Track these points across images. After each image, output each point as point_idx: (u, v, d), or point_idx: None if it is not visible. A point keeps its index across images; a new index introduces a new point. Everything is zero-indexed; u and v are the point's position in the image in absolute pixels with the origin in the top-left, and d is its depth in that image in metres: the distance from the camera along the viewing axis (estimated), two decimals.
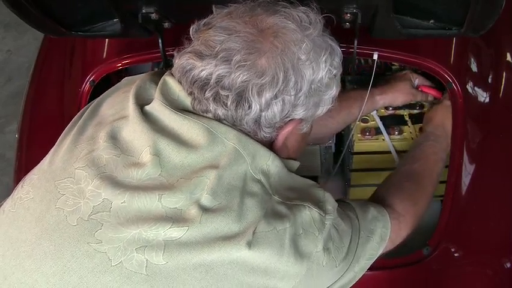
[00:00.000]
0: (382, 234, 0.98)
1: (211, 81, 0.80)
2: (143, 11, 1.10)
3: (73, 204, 0.77)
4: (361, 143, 1.36)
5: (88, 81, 1.36)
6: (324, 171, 1.50)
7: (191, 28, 0.87)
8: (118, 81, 1.00)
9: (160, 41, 1.22)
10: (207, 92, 0.80)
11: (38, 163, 0.89)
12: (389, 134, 1.36)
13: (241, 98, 0.80)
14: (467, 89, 1.28)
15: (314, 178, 1.46)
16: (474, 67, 1.34)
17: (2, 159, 2.47)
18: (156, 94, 0.85)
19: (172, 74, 0.87)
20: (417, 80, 1.38)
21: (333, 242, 0.85)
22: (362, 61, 1.45)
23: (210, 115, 0.82)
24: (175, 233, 0.74)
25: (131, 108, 0.85)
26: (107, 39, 1.39)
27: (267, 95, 0.80)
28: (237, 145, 0.80)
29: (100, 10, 1.10)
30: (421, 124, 1.37)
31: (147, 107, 0.84)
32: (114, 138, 0.83)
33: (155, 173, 0.79)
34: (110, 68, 1.36)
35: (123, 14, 1.10)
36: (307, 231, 0.81)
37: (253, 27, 0.81)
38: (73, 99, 1.37)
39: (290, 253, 0.78)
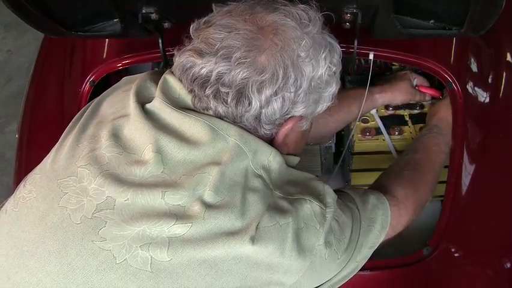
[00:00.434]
0: (383, 222, 0.98)
1: (212, 78, 0.80)
2: (143, 11, 1.10)
3: (76, 203, 0.77)
4: (361, 143, 1.36)
5: (88, 81, 1.36)
6: (324, 171, 1.50)
7: (191, 26, 0.87)
8: (118, 81, 1.00)
9: (160, 41, 1.22)
10: (207, 90, 0.81)
11: (38, 163, 0.89)
12: (389, 134, 1.36)
13: (241, 95, 0.80)
14: (467, 89, 1.28)
15: None
16: (474, 67, 1.34)
17: (2, 159, 2.47)
18: (157, 92, 0.85)
19: (172, 73, 0.87)
20: (417, 80, 1.38)
21: (334, 234, 0.85)
22: (362, 61, 1.45)
23: (210, 112, 0.82)
24: (179, 229, 0.74)
25: (132, 106, 0.85)
26: (107, 39, 1.39)
27: (267, 91, 0.80)
28: (239, 141, 0.81)
29: (100, 10, 1.10)
30: (421, 124, 1.37)
31: (148, 105, 0.85)
32: (116, 137, 0.83)
33: (158, 170, 0.79)
34: (110, 68, 1.37)
35: (123, 14, 1.10)
36: (308, 225, 0.82)
37: (253, 25, 0.82)
38: (73, 99, 1.37)
39: (293, 247, 0.79)
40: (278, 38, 0.81)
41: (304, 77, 0.83)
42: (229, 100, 0.80)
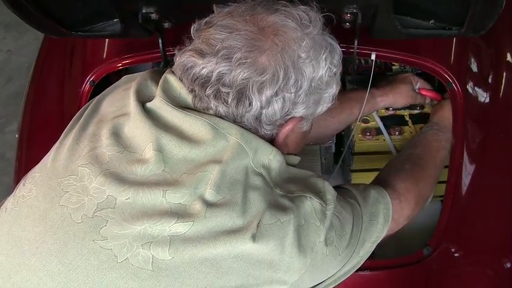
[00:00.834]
0: (385, 216, 0.98)
1: (212, 78, 0.80)
2: (144, 11, 1.10)
3: (77, 202, 0.77)
4: (362, 143, 1.36)
5: (88, 81, 1.36)
6: (325, 171, 1.50)
7: (192, 27, 0.87)
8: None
9: (160, 41, 1.22)
10: (207, 90, 0.81)
11: (38, 163, 0.89)
12: (389, 134, 1.37)
13: (241, 95, 0.80)
14: (467, 89, 1.28)
15: None
16: (474, 67, 1.34)
17: (2, 159, 2.47)
18: (157, 92, 0.85)
19: (173, 72, 0.87)
20: (419, 84, 1.38)
21: (335, 230, 0.85)
22: (362, 61, 1.45)
23: (211, 112, 0.83)
24: (180, 228, 0.74)
25: (132, 105, 0.85)
26: (107, 39, 1.39)
27: (268, 92, 0.80)
28: (240, 140, 0.81)
29: (100, 10, 1.10)
30: (422, 124, 1.37)
31: (148, 104, 0.85)
32: (116, 135, 0.83)
33: (159, 168, 0.79)
34: (110, 68, 1.37)
35: (123, 14, 1.10)
36: (309, 222, 0.82)
37: (254, 26, 0.82)
38: (73, 99, 1.37)
39: (294, 244, 0.79)
40: (279, 39, 0.81)
41: (305, 77, 0.83)
42: (229, 100, 0.80)
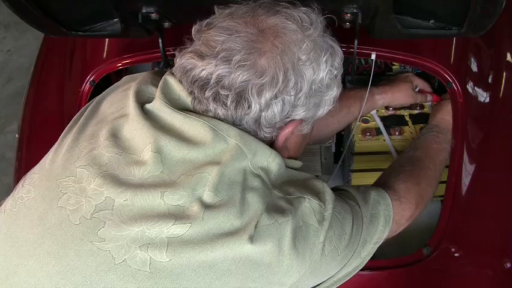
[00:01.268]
0: (386, 217, 0.98)
1: (211, 81, 0.80)
2: (143, 11, 1.10)
3: (75, 203, 0.77)
4: (362, 144, 1.36)
5: (88, 81, 1.36)
6: (324, 171, 1.50)
7: (193, 28, 0.87)
8: (118, 81, 1.00)
9: (160, 41, 1.22)
10: (207, 92, 0.81)
11: (38, 163, 0.89)
12: (389, 134, 1.36)
13: (241, 97, 0.80)
14: (467, 89, 1.28)
15: None
16: (474, 67, 1.34)
17: (2, 159, 2.47)
18: (157, 93, 0.85)
19: (172, 74, 0.87)
20: (419, 84, 1.38)
21: (334, 231, 0.85)
22: (362, 61, 1.45)
23: (210, 114, 0.83)
24: (177, 229, 0.74)
25: (131, 106, 0.85)
26: (107, 39, 1.39)
27: (267, 95, 0.80)
28: (239, 142, 0.81)
29: (100, 10, 1.11)
30: (422, 124, 1.37)
31: (148, 106, 0.85)
32: (115, 137, 0.83)
33: (157, 170, 0.79)
34: (110, 68, 1.37)
35: (123, 14, 1.10)
36: (307, 223, 0.82)
37: (254, 28, 0.82)
38: (73, 99, 1.37)
39: (292, 246, 0.79)
40: (279, 41, 0.81)
41: (305, 80, 0.83)
42: (228, 103, 0.80)
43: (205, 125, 0.80)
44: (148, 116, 0.83)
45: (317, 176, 1.49)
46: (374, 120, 1.39)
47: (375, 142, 1.36)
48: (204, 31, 0.85)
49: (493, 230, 1.20)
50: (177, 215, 0.75)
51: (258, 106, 0.81)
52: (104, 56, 1.39)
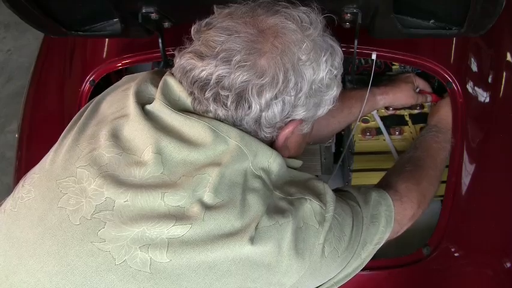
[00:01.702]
0: (387, 218, 0.98)
1: (211, 81, 0.80)
2: (143, 10, 1.10)
3: (75, 203, 0.77)
4: (362, 143, 1.36)
5: (88, 81, 1.36)
6: (324, 171, 1.50)
7: (192, 28, 0.87)
8: (118, 81, 1.00)
9: (160, 40, 1.22)
10: (207, 92, 0.81)
11: (38, 163, 0.89)
12: (389, 134, 1.37)
13: (241, 98, 0.80)
14: (467, 89, 1.28)
15: None
16: (474, 67, 1.34)
17: (2, 159, 2.47)
18: (157, 94, 0.85)
19: (172, 74, 0.87)
20: (419, 84, 1.38)
21: (334, 233, 0.85)
22: (362, 61, 1.45)
23: (210, 115, 0.82)
24: (178, 230, 0.74)
25: (132, 106, 0.85)
26: (107, 39, 1.39)
27: (267, 95, 0.80)
28: (240, 143, 0.81)
29: (100, 10, 1.10)
30: (421, 124, 1.37)
31: (148, 106, 0.85)
32: (115, 137, 0.83)
33: (158, 171, 0.79)
34: (110, 68, 1.37)
35: (123, 14, 1.10)
36: (308, 224, 0.82)
37: (254, 28, 0.82)
38: (73, 99, 1.37)
39: (292, 247, 0.79)
40: (279, 41, 0.81)
41: (305, 80, 0.83)
42: (228, 103, 0.80)
43: (206, 127, 0.80)
44: (148, 117, 0.83)
45: (317, 176, 1.49)
46: (374, 120, 1.39)
47: (375, 142, 1.36)
48: (204, 31, 0.85)
49: (493, 230, 1.20)
50: (178, 216, 0.75)
51: (258, 106, 0.80)
52: (104, 55, 1.39)
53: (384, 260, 1.16)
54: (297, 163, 0.93)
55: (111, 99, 0.93)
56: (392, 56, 1.30)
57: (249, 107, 0.80)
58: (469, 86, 1.29)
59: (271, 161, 0.84)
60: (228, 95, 0.80)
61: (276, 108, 0.82)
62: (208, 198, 0.77)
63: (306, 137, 0.95)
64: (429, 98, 1.39)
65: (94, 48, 1.41)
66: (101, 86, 1.34)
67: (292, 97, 0.82)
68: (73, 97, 1.38)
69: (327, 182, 0.91)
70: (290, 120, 0.86)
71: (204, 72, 0.80)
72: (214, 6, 0.88)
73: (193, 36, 0.86)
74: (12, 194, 0.86)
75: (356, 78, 1.43)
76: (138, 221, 0.75)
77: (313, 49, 0.83)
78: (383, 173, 1.28)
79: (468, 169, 1.21)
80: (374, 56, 1.28)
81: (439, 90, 1.41)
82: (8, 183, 1.80)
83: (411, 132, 1.36)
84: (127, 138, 0.83)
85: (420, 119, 1.38)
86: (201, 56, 0.81)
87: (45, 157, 0.88)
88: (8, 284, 0.76)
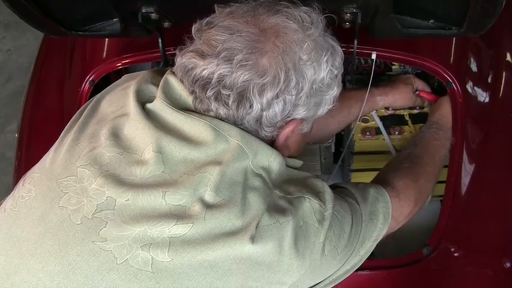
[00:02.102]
0: (384, 214, 0.98)
1: (213, 80, 0.80)
2: (143, 10, 1.10)
3: (76, 203, 0.77)
4: (361, 143, 1.36)
5: (87, 80, 1.36)
6: (324, 171, 1.50)
7: (193, 27, 0.87)
8: None
9: (160, 40, 1.22)
10: (208, 91, 0.81)
11: (38, 163, 0.89)
12: (389, 134, 1.37)
13: (242, 97, 0.80)
14: (467, 89, 1.28)
15: None
16: (474, 67, 1.34)
17: (2, 159, 2.47)
18: (158, 93, 0.85)
19: (173, 73, 0.87)
20: (419, 86, 1.38)
21: (333, 231, 0.85)
22: (362, 61, 1.45)
23: (211, 114, 0.82)
24: (179, 229, 0.74)
25: (132, 105, 0.85)
26: (107, 39, 1.39)
27: (268, 94, 0.80)
28: (241, 142, 0.81)
29: (100, 10, 1.11)
30: (421, 124, 1.37)
31: (148, 105, 0.85)
32: (116, 136, 0.83)
33: (159, 170, 0.79)
34: (110, 68, 1.37)
35: (123, 13, 1.10)
36: (307, 223, 0.82)
37: (255, 27, 0.82)
38: (73, 99, 1.37)
39: (292, 246, 0.79)
40: (280, 41, 0.81)
41: (306, 80, 0.83)
42: (230, 102, 0.80)
43: (207, 125, 0.80)
44: (149, 115, 0.83)
45: (317, 175, 1.49)
46: (374, 120, 1.39)
47: (375, 142, 1.36)
48: (205, 30, 0.85)
49: (493, 230, 1.20)
50: (179, 215, 0.76)
51: (259, 106, 0.81)
52: (104, 55, 1.39)
53: (384, 260, 1.16)
54: (298, 163, 0.93)
55: (111, 98, 0.93)
56: (391, 56, 1.30)
57: (250, 106, 0.81)
58: (469, 86, 1.29)
59: (271, 160, 0.84)
60: (230, 94, 0.80)
61: (277, 107, 0.82)
62: (209, 197, 0.77)
63: (306, 136, 0.96)
64: (426, 103, 1.39)
65: (94, 48, 1.41)
66: (101, 86, 1.34)
67: (293, 96, 0.82)
68: (72, 97, 1.38)
69: (327, 182, 0.91)
70: (291, 120, 0.86)
71: (205, 71, 0.80)
72: (215, 5, 0.88)
73: (194, 35, 0.86)
74: (12, 193, 0.86)
75: (355, 78, 1.44)
76: (139, 220, 0.75)
77: (315, 49, 0.83)
78: None
79: (468, 169, 1.21)
80: (373, 56, 1.28)
81: (439, 90, 1.41)
82: (8, 183, 1.80)
83: (410, 132, 1.36)
84: (127, 137, 0.83)
85: (420, 118, 1.38)
86: (202, 55, 0.81)
87: (45, 156, 0.88)
88: (9, 284, 0.76)
